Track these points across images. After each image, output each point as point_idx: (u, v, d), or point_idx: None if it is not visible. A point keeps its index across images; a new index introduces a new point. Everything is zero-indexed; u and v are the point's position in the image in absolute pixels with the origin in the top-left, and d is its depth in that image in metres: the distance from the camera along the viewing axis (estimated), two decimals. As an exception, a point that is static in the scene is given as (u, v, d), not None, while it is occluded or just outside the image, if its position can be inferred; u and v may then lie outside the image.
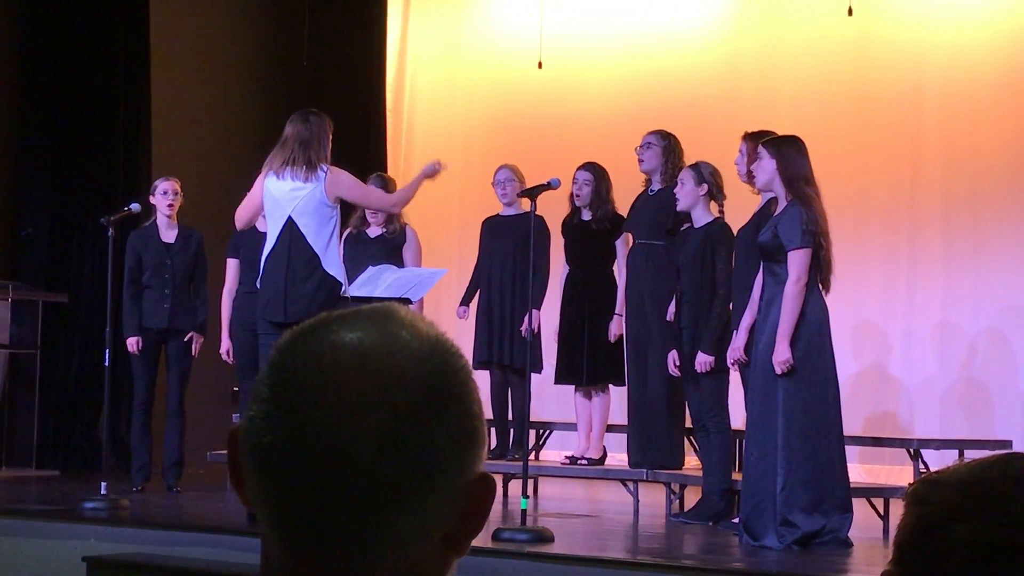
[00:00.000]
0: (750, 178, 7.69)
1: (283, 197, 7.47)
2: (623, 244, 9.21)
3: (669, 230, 8.74)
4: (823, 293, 6.98)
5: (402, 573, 1.22)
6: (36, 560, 7.42)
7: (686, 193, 8.11)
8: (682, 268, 8.19)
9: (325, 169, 7.44)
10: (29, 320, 10.69)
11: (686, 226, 8.40)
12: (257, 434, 1.21)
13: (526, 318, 8.38)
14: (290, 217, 7.46)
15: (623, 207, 9.23)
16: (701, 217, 8.14)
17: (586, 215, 9.32)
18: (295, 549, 1.22)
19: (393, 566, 1.21)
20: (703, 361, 7.85)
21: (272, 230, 7.58)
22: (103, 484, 8.13)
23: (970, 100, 10.39)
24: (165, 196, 9.27)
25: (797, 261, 6.83)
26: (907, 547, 1.49)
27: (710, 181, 8.10)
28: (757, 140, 7.58)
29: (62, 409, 10.80)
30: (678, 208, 8.24)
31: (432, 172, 7.95)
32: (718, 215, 8.18)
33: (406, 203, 8.12)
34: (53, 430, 10.75)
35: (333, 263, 7.48)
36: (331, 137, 7.57)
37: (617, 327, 9.17)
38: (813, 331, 6.86)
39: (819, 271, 6.92)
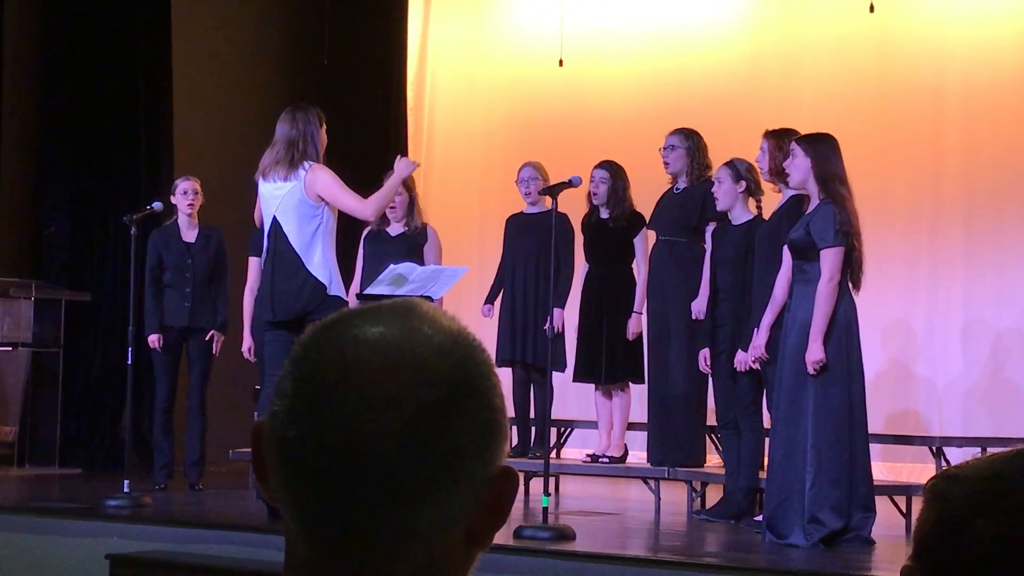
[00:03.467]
0: (771, 176, 7.67)
1: (270, 197, 7.50)
2: (642, 241, 9.20)
3: (695, 227, 8.73)
4: (854, 292, 6.96)
5: (425, 567, 1.22)
6: (59, 558, 7.44)
7: (725, 192, 8.04)
8: (721, 265, 8.12)
9: (307, 167, 7.42)
10: (52, 319, 10.72)
11: (712, 227, 8.37)
12: (281, 428, 1.22)
13: (549, 317, 8.37)
14: (274, 217, 7.48)
15: (645, 205, 9.22)
16: (740, 215, 8.07)
17: (604, 213, 9.31)
18: (319, 543, 1.22)
19: (416, 560, 1.22)
20: (743, 360, 7.76)
21: (265, 231, 7.62)
22: (126, 482, 8.15)
23: (992, 97, 10.36)
24: (185, 196, 9.31)
25: (830, 260, 6.81)
26: (927, 543, 1.49)
27: (747, 177, 8.03)
28: (779, 138, 7.56)
29: (85, 407, 10.84)
30: (718, 208, 8.17)
31: (407, 170, 7.91)
32: (757, 212, 8.12)
33: (380, 211, 7.95)
34: (76, 428, 10.79)
35: (318, 263, 7.41)
36: (323, 128, 7.54)
37: (636, 325, 9.16)
38: (843, 330, 6.84)
39: (851, 271, 6.90)
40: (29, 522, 7.70)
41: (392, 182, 7.71)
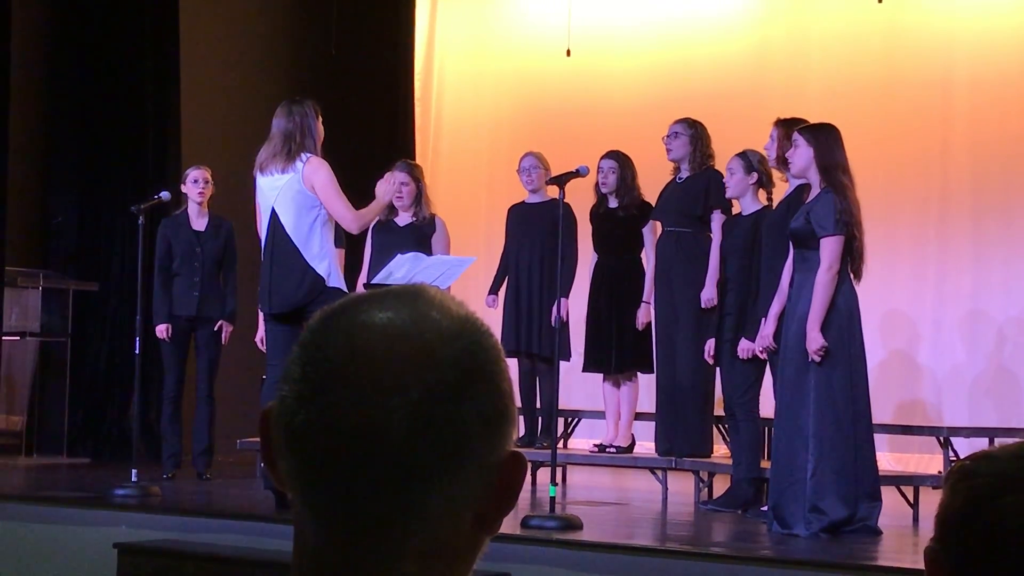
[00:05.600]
0: (779, 164, 7.68)
1: (268, 190, 7.49)
2: (650, 231, 9.20)
3: (699, 216, 8.73)
4: (855, 282, 6.96)
5: (433, 551, 1.22)
6: (67, 547, 7.46)
7: (736, 182, 8.06)
8: (729, 255, 8.14)
9: (305, 158, 7.41)
10: (59, 308, 10.73)
11: (717, 215, 8.37)
12: (289, 414, 1.22)
13: (555, 307, 8.37)
14: (272, 209, 7.47)
15: (651, 195, 9.22)
16: (750, 205, 8.09)
17: (613, 202, 9.32)
18: (327, 528, 1.22)
19: (424, 544, 1.22)
20: (745, 348, 7.79)
21: (264, 223, 7.61)
22: (134, 471, 8.16)
23: (999, 88, 10.36)
24: (196, 184, 9.32)
25: (829, 248, 6.81)
26: (953, 523, 1.48)
27: (759, 169, 8.05)
28: (788, 126, 7.56)
29: (93, 397, 10.85)
30: (727, 196, 8.21)
31: (389, 195, 7.96)
32: (767, 204, 8.13)
33: (364, 229, 7.97)
34: (84, 418, 10.80)
35: (316, 255, 7.39)
36: (319, 120, 7.52)
37: (644, 315, 9.17)
38: (843, 319, 6.84)
39: (851, 261, 6.89)
40: (37, 511, 7.72)
41: (376, 205, 7.73)
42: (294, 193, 7.40)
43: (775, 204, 7.90)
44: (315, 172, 7.37)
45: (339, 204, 7.42)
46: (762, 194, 8.13)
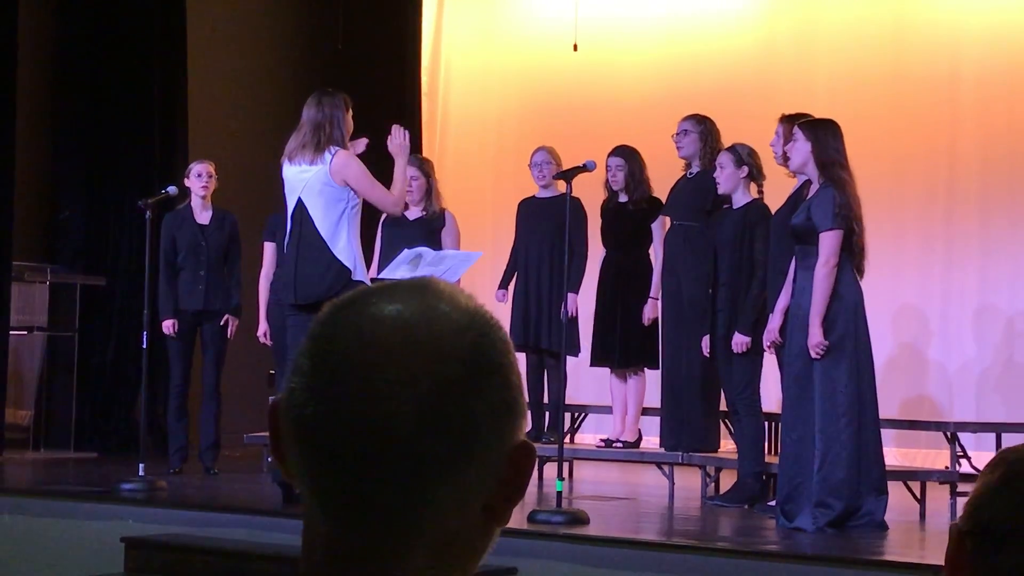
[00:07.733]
0: (786, 160, 7.67)
1: (295, 180, 7.48)
2: (659, 227, 9.20)
3: (708, 212, 8.73)
4: (857, 276, 6.95)
5: (443, 543, 1.22)
6: (75, 541, 7.47)
7: (727, 177, 8.08)
8: (720, 249, 8.16)
9: (333, 151, 7.41)
10: (67, 303, 10.75)
11: (724, 207, 8.38)
12: (298, 406, 1.22)
13: (563, 302, 8.36)
14: (299, 199, 7.46)
15: (659, 190, 9.22)
16: (740, 199, 8.11)
17: (623, 198, 9.32)
18: (336, 520, 1.22)
19: (434, 536, 1.22)
20: (739, 342, 7.83)
21: (289, 213, 7.60)
22: (141, 466, 8.17)
23: (1007, 82, 10.34)
24: (199, 178, 9.31)
25: (828, 243, 6.81)
26: (986, 499, 1.46)
27: (749, 162, 8.07)
28: (794, 122, 7.56)
29: (100, 391, 10.86)
30: (719, 191, 8.22)
31: (405, 150, 7.76)
32: (757, 196, 8.16)
33: (404, 199, 7.93)
34: (91, 412, 10.81)
35: (342, 247, 7.39)
36: (349, 113, 7.52)
37: (652, 310, 9.16)
38: (849, 312, 6.84)
39: (852, 256, 6.89)
40: (45, 505, 7.73)
41: (400, 167, 7.66)
42: (322, 185, 7.40)
43: (770, 198, 7.92)
44: (346, 166, 7.37)
45: (377, 191, 7.43)
46: (752, 188, 8.16)
